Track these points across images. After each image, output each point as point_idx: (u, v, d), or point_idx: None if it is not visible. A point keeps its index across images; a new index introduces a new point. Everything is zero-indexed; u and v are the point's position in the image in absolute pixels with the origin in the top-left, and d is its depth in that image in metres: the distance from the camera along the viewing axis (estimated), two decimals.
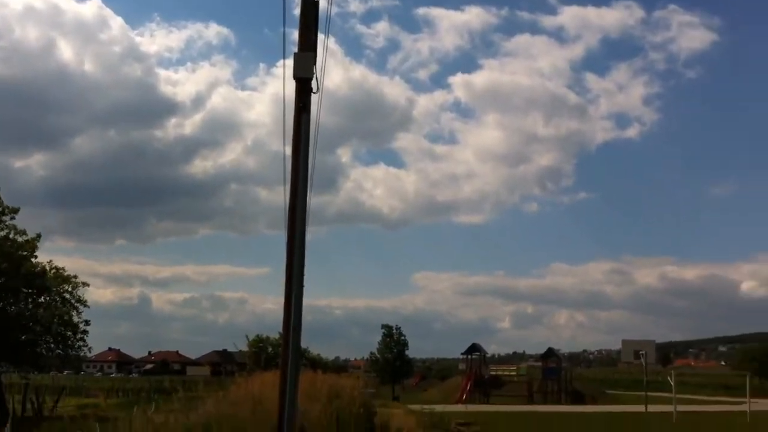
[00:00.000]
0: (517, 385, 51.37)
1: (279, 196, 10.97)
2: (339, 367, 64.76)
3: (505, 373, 56.75)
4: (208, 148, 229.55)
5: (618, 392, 65.24)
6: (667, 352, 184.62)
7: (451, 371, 75.87)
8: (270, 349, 70.48)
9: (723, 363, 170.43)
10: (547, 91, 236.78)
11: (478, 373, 51.02)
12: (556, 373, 51.02)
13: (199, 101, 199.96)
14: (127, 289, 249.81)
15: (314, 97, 10.91)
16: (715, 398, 55.43)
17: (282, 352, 10.08)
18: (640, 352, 37.49)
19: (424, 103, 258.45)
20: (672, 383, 32.59)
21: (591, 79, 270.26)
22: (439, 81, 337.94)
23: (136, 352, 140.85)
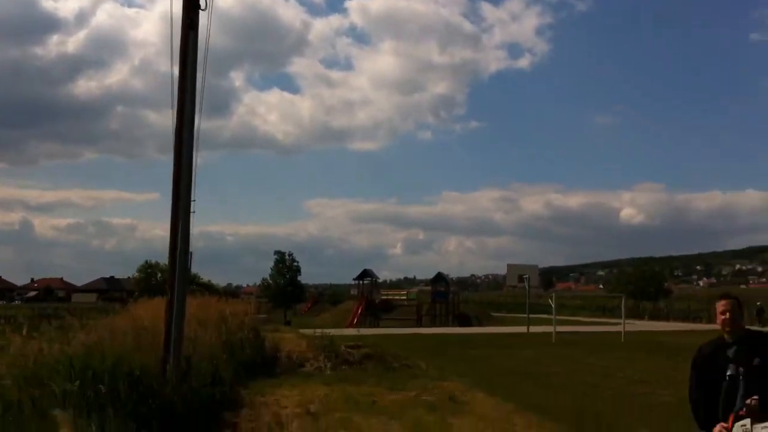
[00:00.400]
0: (407, 309, 52.57)
1: (169, 119, 10.62)
2: (230, 293, 64.35)
3: (396, 297, 57.90)
4: (93, 67, 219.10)
5: (503, 315, 67.92)
6: (550, 277, 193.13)
7: (343, 296, 76.82)
8: (159, 275, 69.22)
9: (601, 286, 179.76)
10: (442, 19, 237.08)
11: (370, 297, 51.89)
12: (444, 297, 52.45)
13: (82, 18, 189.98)
14: (7, 214, 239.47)
15: (204, 16, 10.49)
16: (593, 319, 58.52)
17: (168, 277, 9.88)
18: (524, 276, 38.97)
19: (320, 27, 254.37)
20: (552, 305, 34.18)
21: (486, 8, 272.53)
22: (335, 5, 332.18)
23: (18, 279, 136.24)
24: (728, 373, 4.59)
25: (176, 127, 10.46)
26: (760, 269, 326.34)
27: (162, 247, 10.14)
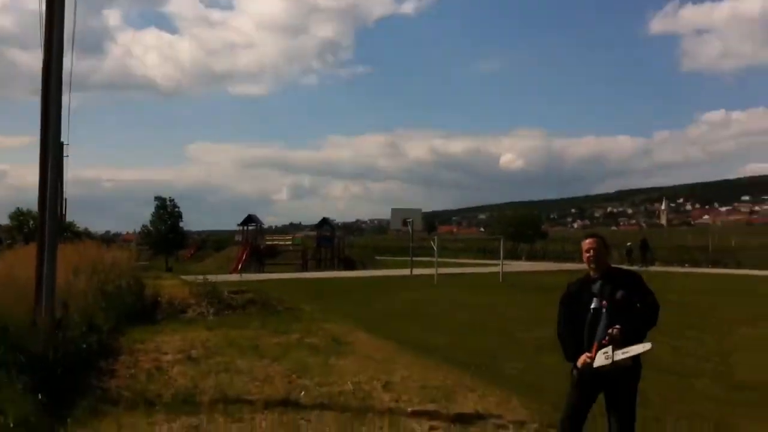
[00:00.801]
0: (292, 254, 52.57)
1: (40, 59, 10.07)
2: (109, 240, 62.36)
3: (281, 243, 57.73)
4: None
5: (387, 258, 68.96)
6: (433, 221, 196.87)
7: (227, 243, 75.85)
8: (32, 222, 66.06)
9: (482, 230, 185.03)
10: None
11: (254, 243, 51.51)
12: (329, 242, 52.71)
13: None
14: None
15: None
16: (474, 261, 60.23)
17: (38, 223, 9.45)
18: (407, 220, 39.55)
19: None
20: (435, 248, 34.91)
21: None
22: None
23: None
24: (593, 306, 4.84)
25: (44, 65, 9.94)
26: (630, 211, 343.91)
27: (35, 193, 9.56)
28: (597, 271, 5.09)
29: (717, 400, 8.13)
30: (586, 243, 5.12)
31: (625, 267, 5.32)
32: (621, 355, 4.66)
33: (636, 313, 4.80)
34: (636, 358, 4.87)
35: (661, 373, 9.75)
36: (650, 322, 4.86)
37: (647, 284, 4.99)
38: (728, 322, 15.56)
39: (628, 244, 52.30)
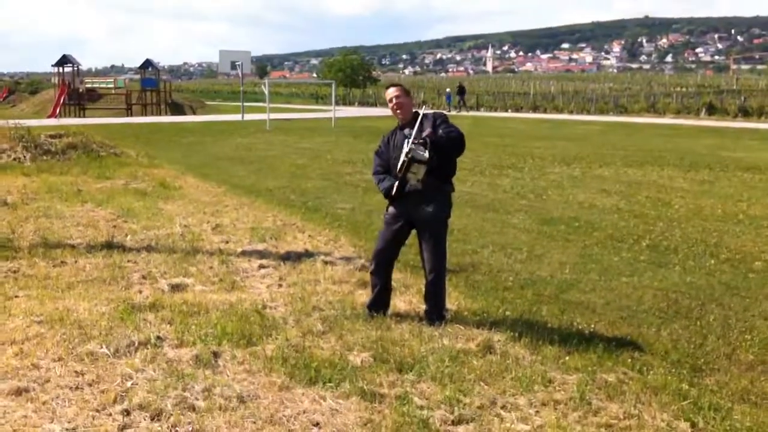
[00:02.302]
0: (115, 98, 49.75)
1: None
2: None
3: (102, 86, 54.40)
4: None
5: (218, 103, 67.14)
6: (265, 65, 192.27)
7: (43, 86, 70.57)
8: None
9: (314, 75, 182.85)
10: None
11: (72, 86, 48.21)
12: (154, 85, 50.25)
13: None
14: None
15: None
16: (306, 107, 59.91)
17: None
18: (236, 63, 38.38)
19: None
20: (266, 93, 34.26)
21: None
22: None
23: None
24: (404, 149, 4.99)
25: None
26: (458, 58, 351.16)
27: None
28: (403, 117, 5.24)
29: (530, 232, 8.76)
30: (389, 93, 5.28)
31: (431, 111, 5.50)
32: (413, 145, 4.87)
33: (441, 137, 5.00)
34: (445, 202, 5.20)
35: (480, 209, 10.36)
36: (456, 146, 5.08)
37: (452, 123, 5.19)
38: (544, 163, 16.56)
39: (447, 89, 55.52)
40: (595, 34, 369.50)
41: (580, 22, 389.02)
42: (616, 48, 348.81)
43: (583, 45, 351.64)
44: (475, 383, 4.21)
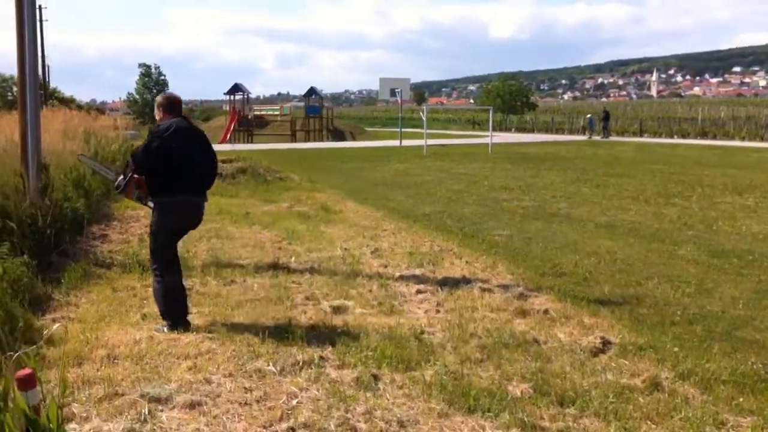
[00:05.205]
0: (280, 125, 52.13)
1: None
2: (96, 109, 61.51)
3: (269, 113, 57.13)
4: None
5: (376, 129, 68.66)
6: (423, 92, 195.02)
7: (215, 113, 75.02)
8: (16, 89, 64.83)
9: (472, 101, 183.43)
10: None
11: (242, 113, 50.94)
12: (317, 112, 52.22)
13: None
14: None
15: None
16: (463, 133, 60.08)
17: (18, 86, 9.22)
18: (396, 90, 39.11)
19: None
20: (424, 118, 34.68)
21: None
22: None
23: None
24: None
25: None
26: (621, 82, 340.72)
27: (14, 58, 9.16)
28: None
29: (699, 264, 8.31)
30: None
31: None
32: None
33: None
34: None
35: (644, 239, 9.94)
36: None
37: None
38: (714, 191, 15.71)
39: (589, 115, 52.92)
40: None
41: (753, 44, 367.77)
42: None
43: (757, 68, 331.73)
44: (641, 421, 4.03)
